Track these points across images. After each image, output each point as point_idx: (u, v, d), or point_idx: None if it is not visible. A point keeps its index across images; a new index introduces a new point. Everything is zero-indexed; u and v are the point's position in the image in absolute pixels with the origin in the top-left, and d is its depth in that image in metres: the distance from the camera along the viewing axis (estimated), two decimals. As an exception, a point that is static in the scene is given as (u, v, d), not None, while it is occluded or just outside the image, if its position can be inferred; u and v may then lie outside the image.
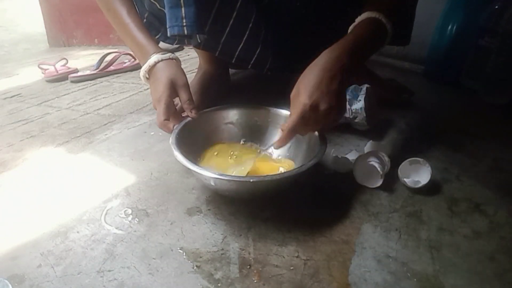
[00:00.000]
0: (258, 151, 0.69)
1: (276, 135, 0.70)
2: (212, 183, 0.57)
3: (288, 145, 0.62)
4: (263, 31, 0.78)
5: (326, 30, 0.71)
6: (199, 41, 0.71)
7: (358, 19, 0.61)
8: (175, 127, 0.64)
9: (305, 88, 0.55)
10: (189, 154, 0.59)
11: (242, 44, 0.77)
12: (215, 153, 0.69)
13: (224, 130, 0.73)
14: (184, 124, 0.65)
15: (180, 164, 0.70)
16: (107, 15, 0.75)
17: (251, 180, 0.54)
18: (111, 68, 1.37)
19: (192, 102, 0.66)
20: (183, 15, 0.63)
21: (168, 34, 0.65)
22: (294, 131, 0.56)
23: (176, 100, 0.67)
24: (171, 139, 0.61)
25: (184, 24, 0.63)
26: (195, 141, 0.67)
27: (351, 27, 0.62)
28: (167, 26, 0.65)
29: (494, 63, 0.98)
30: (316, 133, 0.62)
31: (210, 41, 0.76)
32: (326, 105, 0.54)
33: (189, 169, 0.55)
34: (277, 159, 0.69)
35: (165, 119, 0.64)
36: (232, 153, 0.69)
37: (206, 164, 0.66)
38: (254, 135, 0.73)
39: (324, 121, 0.56)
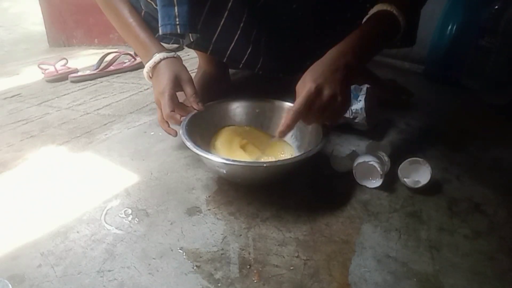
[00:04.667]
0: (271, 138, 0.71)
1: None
2: (224, 170, 0.59)
3: (291, 134, 0.62)
4: (254, 31, 0.78)
5: (322, 34, 0.71)
6: (192, 40, 0.72)
7: (370, 12, 0.61)
8: (183, 119, 0.65)
9: (311, 76, 0.56)
10: (201, 144, 0.61)
11: (233, 43, 0.78)
12: (226, 142, 0.70)
13: (230, 121, 0.75)
14: (192, 115, 0.67)
15: (180, 164, 0.71)
16: (108, 14, 0.75)
17: (265, 165, 0.55)
18: (111, 68, 1.37)
19: (197, 95, 0.67)
20: (176, 13, 0.63)
21: (160, 32, 0.65)
22: (298, 115, 0.55)
23: (179, 96, 0.68)
24: (181, 130, 0.62)
25: (177, 22, 0.63)
26: (205, 132, 0.69)
27: (364, 19, 0.62)
28: (159, 25, 0.65)
29: (494, 63, 0.98)
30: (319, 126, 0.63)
31: (202, 40, 0.76)
32: (331, 90, 0.54)
33: (200, 156, 0.57)
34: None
35: (171, 111, 0.64)
36: (243, 139, 0.71)
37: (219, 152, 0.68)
38: (260, 125, 0.75)
39: (328, 108, 0.55)
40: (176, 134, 0.69)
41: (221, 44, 0.78)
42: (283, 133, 0.57)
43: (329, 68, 0.55)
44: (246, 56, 0.80)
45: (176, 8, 0.63)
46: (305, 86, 0.55)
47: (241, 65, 0.82)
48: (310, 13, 0.80)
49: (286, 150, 0.69)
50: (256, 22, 0.78)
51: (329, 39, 0.59)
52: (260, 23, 0.79)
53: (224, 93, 0.98)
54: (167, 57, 0.68)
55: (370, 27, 0.60)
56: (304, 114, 0.55)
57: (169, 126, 0.69)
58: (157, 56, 0.68)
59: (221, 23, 0.74)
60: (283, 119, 0.56)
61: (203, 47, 0.79)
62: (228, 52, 0.79)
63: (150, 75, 0.70)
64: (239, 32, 0.76)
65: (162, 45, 0.71)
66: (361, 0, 0.71)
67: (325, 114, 0.56)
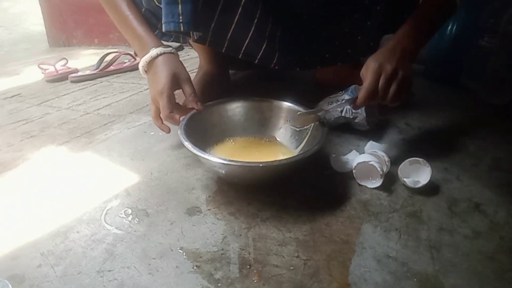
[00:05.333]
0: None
1: (280, 124, 0.74)
2: (223, 170, 0.59)
3: (289, 134, 0.64)
4: (269, 25, 0.78)
5: (338, 26, 0.71)
6: (196, 38, 0.72)
7: None
8: (181, 119, 0.65)
9: (371, 59, 0.63)
10: (199, 144, 0.61)
11: (248, 39, 0.78)
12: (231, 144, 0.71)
13: (229, 121, 0.75)
14: (191, 115, 0.67)
15: (180, 164, 0.71)
16: (107, 8, 0.75)
17: (261, 165, 0.55)
18: (111, 68, 1.37)
19: (196, 95, 0.67)
20: (180, 11, 0.63)
21: (163, 30, 0.65)
22: (369, 92, 0.61)
23: (177, 95, 0.68)
24: (180, 130, 0.62)
25: (181, 20, 0.63)
26: (203, 132, 0.69)
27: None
28: (163, 22, 0.65)
29: (494, 63, 0.98)
30: (318, 121, 0.65)
31: (216, 37, 0.76)
32: (392, 65, 0.61)
33: (199, 156, 0.57)
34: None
35: (170, 112, 0.64)
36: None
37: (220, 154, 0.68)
38: (258, 125, 0.75)
39: (392, 82, 0.61)
40: (169, 131, 0.69)
41: (236, 41, 0.78)
42: (357, 107, 0.65)
43: (387, 51, 0.63)
44: (261, 52, 0.80)
45: (180, 6, 0.63)
46: (368, 68, 0.62)
47: (256, 60, 0.82)
48: (324, 5, 0.80)
49: (284, 151, 0.70)
50: (270, 17, 0.78)
51: (346, 29, 0.61)
52: (275, 17, 0.79)
53: (224, 93, 0.98)
54: (164, 53, 0.67)
55: (425, 11, 0.65)
56: (374, 90, 0.61)
57: (162, 123, 0.69)
58: (154, 51, 0.67)
59: (235, 20, 0.74)
60: (358, 98, 0.63)
61: (218, 44, 0.78)
62: (243, 48, 0.79)
63: (146, 69, 0.69)
64: (253, 28, 0.76)
65: (159, 40, 0.70)
66: None
67: (390, 89, 0.62)
